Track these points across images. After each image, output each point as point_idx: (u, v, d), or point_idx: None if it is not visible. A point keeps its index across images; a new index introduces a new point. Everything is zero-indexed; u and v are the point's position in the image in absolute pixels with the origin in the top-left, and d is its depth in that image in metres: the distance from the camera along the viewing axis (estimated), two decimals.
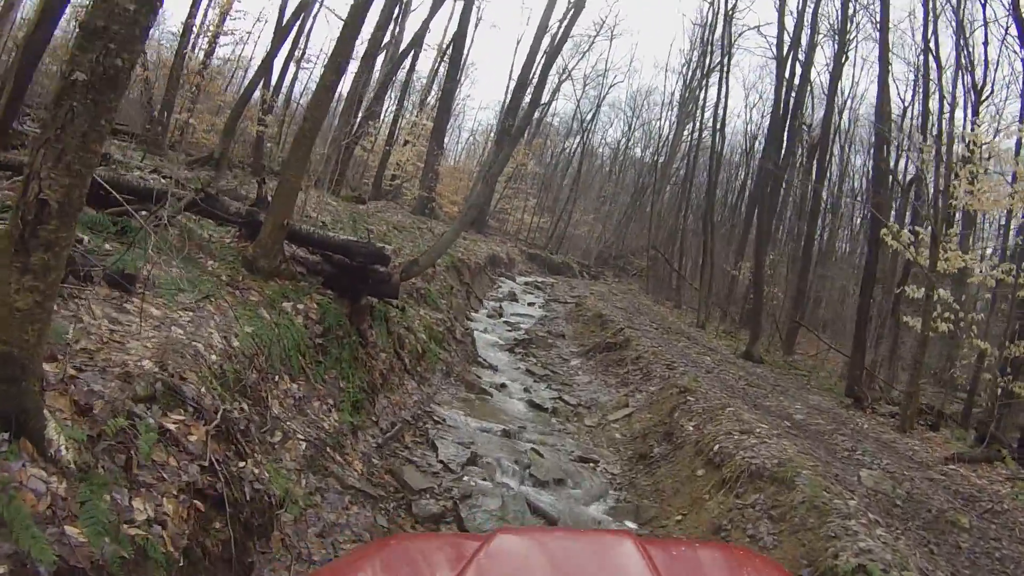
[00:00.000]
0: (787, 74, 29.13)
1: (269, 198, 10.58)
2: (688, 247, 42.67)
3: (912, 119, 30.25)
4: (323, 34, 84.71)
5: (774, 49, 33.52)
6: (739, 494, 9.03)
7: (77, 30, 3.97)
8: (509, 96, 40.08)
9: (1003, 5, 31.29)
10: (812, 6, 29.78)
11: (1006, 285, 15.37)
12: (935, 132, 21.25)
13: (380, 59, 34.38)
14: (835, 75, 30.69)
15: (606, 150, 71.39)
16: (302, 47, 32.87)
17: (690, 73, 51.10)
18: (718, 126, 36.53)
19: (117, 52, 3.79)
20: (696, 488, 9.81)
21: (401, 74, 40.49)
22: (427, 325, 13.65)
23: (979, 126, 16.77)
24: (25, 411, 3.95)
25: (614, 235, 59.54)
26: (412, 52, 37.30)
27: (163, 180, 12.29)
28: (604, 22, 58.25)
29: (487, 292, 26.80)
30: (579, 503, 9.52)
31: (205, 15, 30.60)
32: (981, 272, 15.91)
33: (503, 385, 14.44)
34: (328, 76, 10.36)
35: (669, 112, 57.46)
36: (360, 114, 29.76)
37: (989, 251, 23.85)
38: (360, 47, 21.70)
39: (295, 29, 28.04)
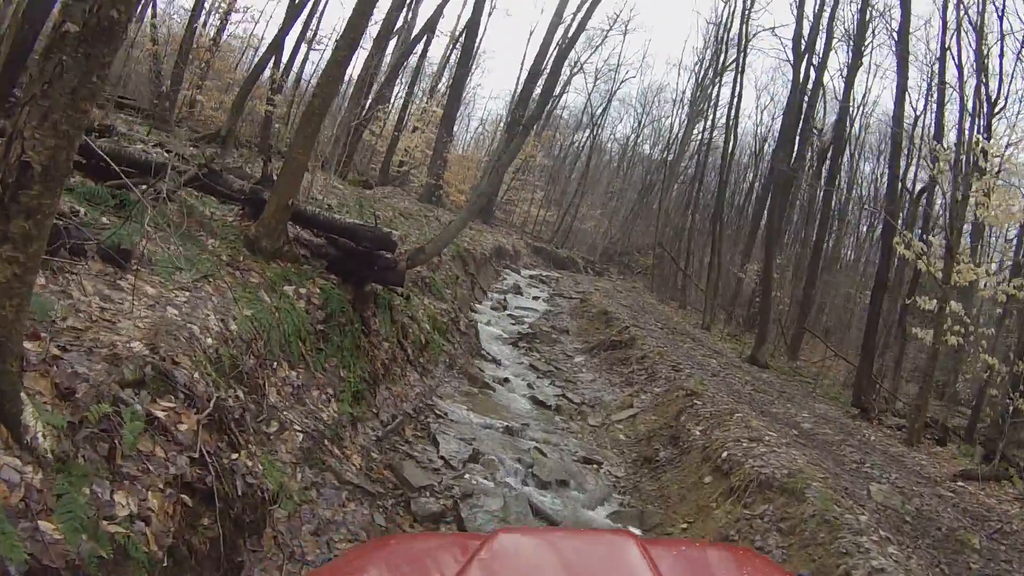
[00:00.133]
0: (801, 78, 28.90)
1: (274, 177, 10.26)
2: (694, 247, 42.43)
3: (923, 128, 30.17)
4: (336, 14, 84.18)
5: (788, 52, 33.45)
6: (747, 504, 8.83)
7: None
8: (520, 86, 39.87)
9: (1020, 19, 31.11)
10: (829, 10, 29.67)
11: (1017, 300, 15.13)
12: (955, 141, 21.11)
13: (392, 43, 34.16)
14: (849, 81, 30.40)
15: (615, 145, 71.35)
16: (314, 27, 32.48)
17: (702, 72, 50.85)
18: (731, 125, 36.41)
19: (113, 2, 3.46)
20: (703, 495, 9.58)
21: (413, 60, 40.24)
22: (431, 315, 13.35)
23: (993, 138, 16.57)
24: (0, 393, 3.64)
25: (620, 231, 59.36)
26: (425, 37, 36.97)
27: (166, 154, 12.01)
28: (618, 16, 57.76)
29: (492, 284, 26.61)
30: (582, 506, 9.29)
31: None
32: (992, 286, 15.64)
33: (506, 380, 14.19)
34: (341, 51, 9.98)
35: (680, 110, 57.21)
36: (371, 97, 29.51)
37: (994, 265, 23.66)
38: (373, 28, 21.48)
39: (308, 8, 27.73)
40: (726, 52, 42.93)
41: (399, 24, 34.26)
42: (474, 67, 49.65)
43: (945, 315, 15.01)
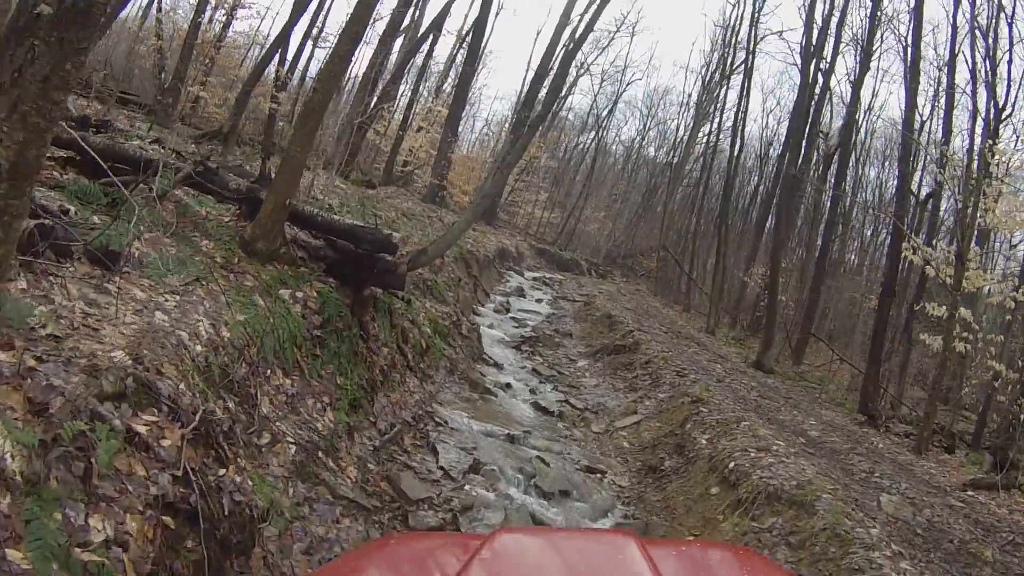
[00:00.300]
0: (809, 82, 28.82)
1: (273, 176, 10.03)
2: (699, 250, 42.36)
3: (930, 133, 30.31)
4: (342, 12, 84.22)
5: (796, 56, 33.62)
6: (755, 516, 8.64)
7: None
8: (526, 87, 39.81)
9: None
10: (838, 15, 29.58)
11: None
12: (964, 146, 21.13)
13: (399, 42, 34.03)
14: (857, 86, 30.42)
15: (620, 148, 71.44)
16: (320, 24, 32.23)
17: (709, 75, 50.77)
18: (738, 128, 36.50)
19: None
20: (709, 507, 9.38)
21: (419, 59, 40.09)
22: (432, 318, 13.12)
23: (1000, 143, 16.51)
24: None
25: (624, 234, 59.40)
26: (431, 36, 36.75)
27: (162, 151, 11.80)
28: (625, 18, 58.00)
29: (494, 286, 26.40)
30: (585, 518, 9.07)
31: None
32: (1002, 292, 15.48)
33: (508, 385, 13.97)
34: (343, 46, 9.69)
35: (685, 113, 57.31)
36: (375, 95, 29.34)
37: (1000, 270, 23.65)
38: (379, 24, 21.27)
39: (314, 5, 27.51)
40: (733, 55, 42.94)
41: (406, 22, 34.16)
42: (480, 67, 49.65)
43: (955, 322, 14.84)
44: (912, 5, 22.89)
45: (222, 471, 5.33)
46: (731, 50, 43.51)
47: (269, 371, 7.24)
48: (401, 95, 40.56)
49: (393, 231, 10.51)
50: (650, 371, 16.06)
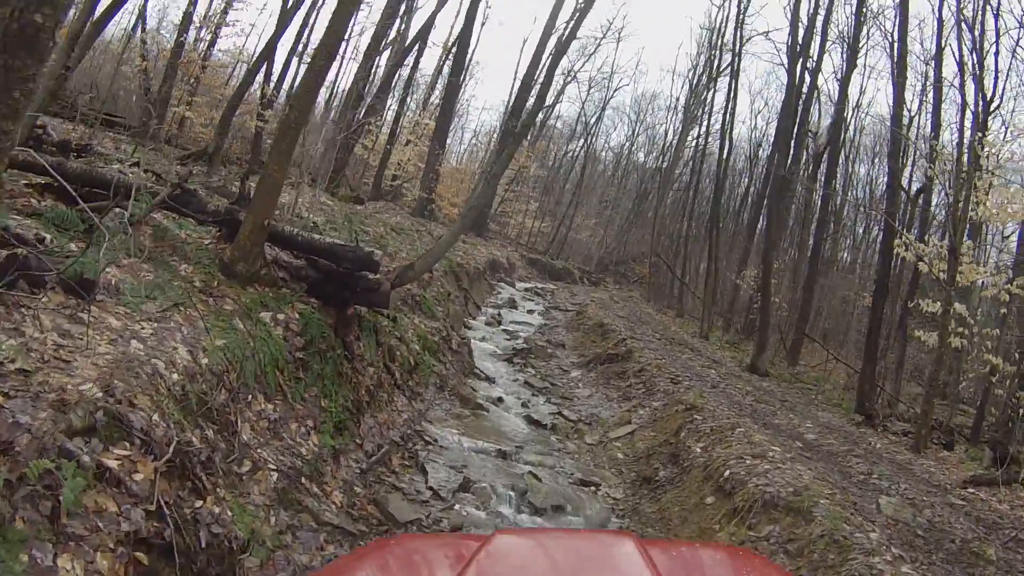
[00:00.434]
0: (796, 81, 28.85)
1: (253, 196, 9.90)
2: (691, 254, 42.34)
3: (918, 128, 30.44)
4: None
5: (783, 55, 33.78)
6: (752, 525, 8.50)
7: None
8: (514, 97, 39.76)
9: (1014, 17, 31.16)
10: (823, 13, 29.61)
11: (1022, 300, 15.01)
12: (954, 140, 21.18)
13: (386, 54, 34.00)
14: (844, 83, 30.43)
15: (609, 154, 71.65)
16: (305, 40, 32.10)
17: (696, 78, 50.86)
18: (726, 130, 36.72)
19: (37, 6, 3.08)
20: (705, 518, 9.24)
21: (405, 72, 40.06)
22: (421, 334, 12.98)
23: (989, 136, 16.48)
24: None
25: (616, 241, 59.55)
26: (417, 47, 36.71)
27: (142, 174, 11.68)
28: (611, 24, 58.11)
29: (486, 298, 26.33)
30: None
31: (209, 5, 30.17)
32: (996, 285, 15.40)
33: (500, 399, 13.82)
34: (319, 60, 9.54)
35: (674, 117, 57.58)
36: (362, 110, 29.30)
37: (993, 262, 23.61)
38: (365, 36, 21.17)
39: (300, 21, 27.41)
40: (720, 57, 43.02)
41: (392, 35, 34.16)
42: (467, 78, 49.72)
43: (950, 317, 14.76)
44: (897, 0, 22.92)
45: (199, 503, 5.23)
46: (717, 52, 43.69)
47: (250, 396, 7.11)
48: (388, 108, 40.55)
49: (377, 248, 10.41)
50: (644, 379, 15.96)
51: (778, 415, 14.50)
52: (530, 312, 26.94)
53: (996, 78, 23.08)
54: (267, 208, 8.92)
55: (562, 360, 19.15)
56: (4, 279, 5.45)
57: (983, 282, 16.40)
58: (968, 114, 20.10)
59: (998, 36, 22.95)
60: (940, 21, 23.03)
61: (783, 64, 33.27)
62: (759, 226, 36.28)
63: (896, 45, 23.59)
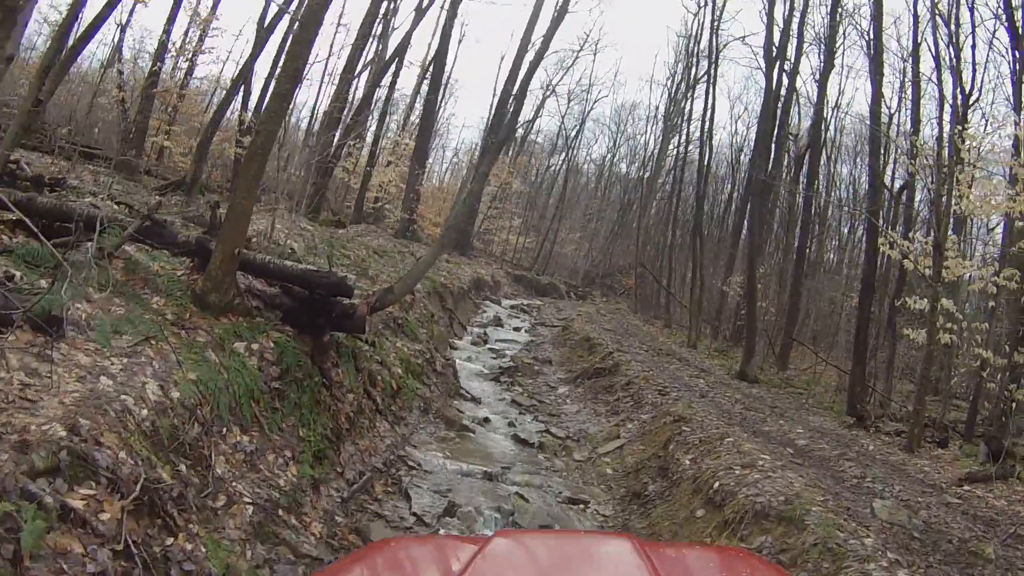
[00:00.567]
0: (774, 84, 28.92)
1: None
2: (676, 263, 42.32)
3: (898, 126, 30.54)
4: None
5: (760, 59, 34.03)
6: (744, 537, 8.38)
7: None
8: (492, 113, 39.85)
9: (988, 8, 31.34)
10: (799, 15, 29.88)
11: (1009, 292, 15.00)
12: (934, 135, 21.27)
13: (364, 76, 33.95)
14: (823, 84, 30.66)
15: (591, 166, 71.88)
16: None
17: (675, 86, 51.03)
18: (706, 137, 36.71)
19: None
20: (696, 531, 9.13)
21: (384, 92, 40.01)
22: (404, 358, 12.81)
23: (969, 128, 16.47)
24: None
25: (601, 253, 59.56)
26: (394, 65, 36.54)
27: (115, 206, 11.55)
28: (588, 36, 58.11)
29: (471, 318, 26.23)
30: None
31: (186, 33, 30.00)
32: (983, 278, 15.36)
33: (486, 419, 13.66)
34: (283, 84, 9.44)
35: (654, 126, 57.88)
36: (338, 133, 29.21)
37: (979, 255, 23.67)
38: (340, 62, 20.99)
39: (277, 46, 27.22)
40: (697, 65, 43.38)
41: (370, 56, 34.14)
42: (447, 96, 49.93)
43: (938, 314, 14.72)
44: None
45: (170, 540, 5.11)
46: (695, 60, 44.07)
47: (225, 429, 6.96)
48: (368, 130, 40.54)
49: (358, 271, 10.29)
50: (631, 392, 15.87)
51: (768, 422, 14.43)
52: (516, 330, 26.88)
53: (974, 71, 23.24)
54: (237, 237, 8.78)
55: (549, 377, 19.07)
56: None
57: (970, 276, 16.34)
58: (947, 108, 20.26)
59: (974, 28, 23.14)
60: (916, 17, 23.30)
61: (761, 68, 33.42)
62: (743, 232, 36.35)
63: (872, 43, 23.74)
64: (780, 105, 29.65)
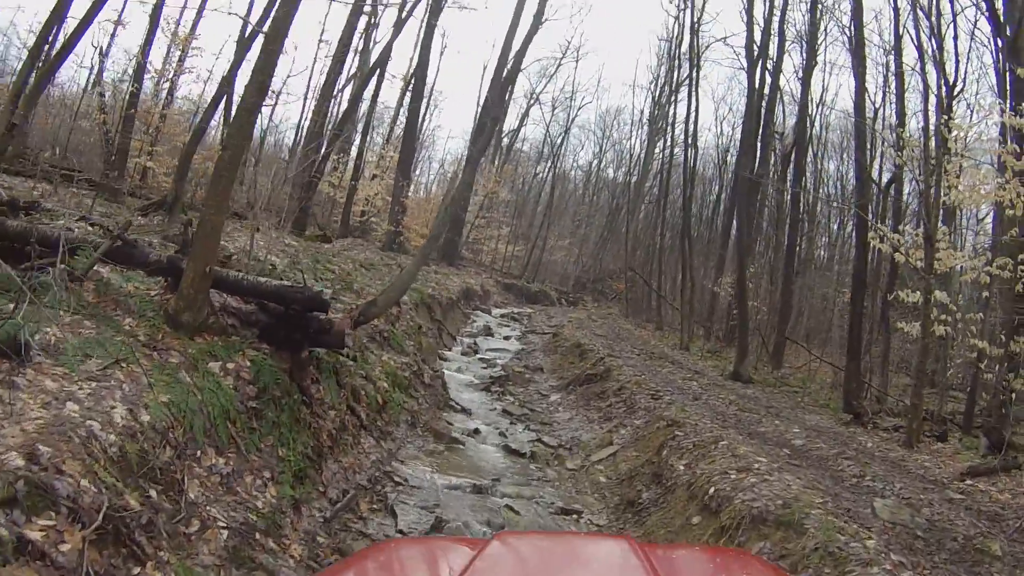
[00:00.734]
0: (757, 83, 28.88)
1: None
2: (666, 266, 42.26)
3: (883, 120, 30.60)
4: (285, 67, 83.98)
5: (742, 59, 34.04)
6: (741, 543, 8.12)
7: None
8: (476, 123, 39.81)
9: None
10: (779, 14, 29.96)
11: (1002, 281, 14.84)
12: (920, 127, 21.26)
13: (347, 91, 33.91)
14: (806, 81, 30.74)
15: (578, 173, 72.20)
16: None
17: (658, 89, 51.28)
18: (690, 140, 36.94)
19: None
20: (692, 538, 8.89)
21: (366, 105, 39.94)
22: (390, 371, 12.62)
23: (955, 119, 16.42)
24: None
25: (591, 258, 59.69)
26: (376, 76, 36.45)
27: (89, 228, 11.36)
28: (570, 44, 58.51)
29: (461, 328, 26.13)
30: None
31: (167, 53, 29.94)
32: (975, 268, 15.24)
33: (476, 431, 13.43)
34: (250, 97, 9.19)
35: (639, 130, 58.23)
36: (322, 148, 29.14)
37: (970, 246, 23.66)
38: (320, 78, 20.83)
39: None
40: (679, 68, 43.49)
41: (352, 71, 34.07)
42: (430, 108, 49.99)
43: (931, 306, 14.58)
44: None
45: (137, 569, 4.90)
46: (677, 62, 44.16)
47: (199, 452, 6.71)
48: (352, 144, 40.46)
49: (342, 285, 10.08)
50: (624, 397, 15.70)
51: (763, 422, 14.25)
52: (507, 338, 26.81)
53: (957, 62, 23.48)
54: (208, 254, 8.55)
55: (540, 385, 18.94)
56: None
57: (962, 267, 16.25)
58: (932, 100, 20.16)
59: (955, 18, 23.27)
60: (896, 10, 23.46)
61: (743, 68, 33.43)
62: (733, 232, 36.33)
63: (853, 37, 23.83)
64: (764, 104, 29.83)
